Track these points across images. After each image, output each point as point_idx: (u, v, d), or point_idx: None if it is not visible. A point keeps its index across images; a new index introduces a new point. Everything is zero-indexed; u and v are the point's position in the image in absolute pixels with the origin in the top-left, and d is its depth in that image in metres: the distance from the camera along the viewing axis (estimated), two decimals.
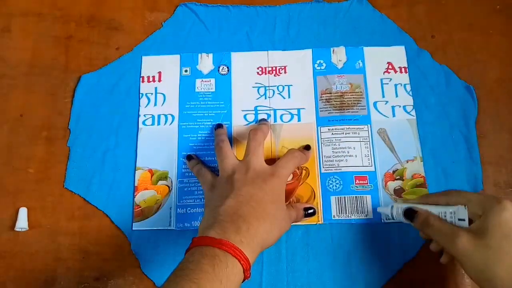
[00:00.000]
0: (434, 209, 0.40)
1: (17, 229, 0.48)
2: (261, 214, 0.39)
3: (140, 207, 0.49)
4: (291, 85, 0.53)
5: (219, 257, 0.34)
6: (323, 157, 0.50)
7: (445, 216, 0.39)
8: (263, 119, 0.51)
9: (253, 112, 0.52)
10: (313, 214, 0.46)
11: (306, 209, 0.46)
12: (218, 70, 0.54)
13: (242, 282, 0.36)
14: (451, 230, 0.37)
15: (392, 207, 0.43)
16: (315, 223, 0.48)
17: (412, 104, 0.51)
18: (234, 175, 0.42)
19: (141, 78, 0.54)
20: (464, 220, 0.37)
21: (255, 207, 0.39)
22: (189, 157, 0.49)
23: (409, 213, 0.41)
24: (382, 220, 0.47)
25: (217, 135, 0.49)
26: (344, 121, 0.51)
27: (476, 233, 0.36)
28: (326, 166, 0.49)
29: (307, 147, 0.49)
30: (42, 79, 0.54)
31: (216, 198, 0.41)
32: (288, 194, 0.48)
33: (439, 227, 0.38)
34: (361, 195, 0.48)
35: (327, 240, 0.47)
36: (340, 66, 0.53)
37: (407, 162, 0.49)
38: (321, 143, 0.50)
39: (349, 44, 0.54)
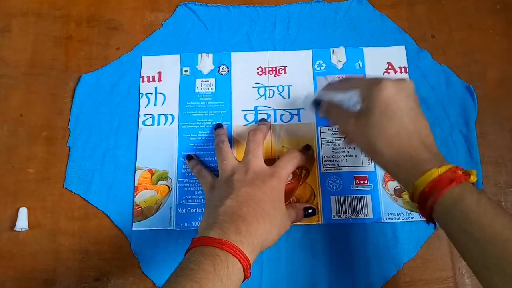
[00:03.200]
0: (336, 97, 0.44)
1: (17, 229, 0.48)
2: (260, 214, 0.39)
3: (140, 207, 0.49)
4: (291, 85, 0.53)
5: (219, 257, 0.35)
6: (323, 157, 0.50)
7: (345, 102, 0.43)
8: (263, 119, 0.51)
9: (253, 112, 0.52)
10: (313, 214, 0.46)
11: (306, 209, 0.46)
12: (218, 70, 0.54)
13: (243, 281, 0.36)
14: (344, 115, 0.41)
15: (306, 96, 0.48)
16: (315, 223, 0.48)
17: None
18: (233, 175, 0.43)
19: (141, 78, 0.54)
20: (359, 103, 0.40)
21: (254, 207, 0.39)
22: (189, 157, 0.49)
23: (316, 103, 0.47)
24: (382, 220, 0.47)
25: (217, 135, 0.49)
26: None
27: (361, 114, 0.39)
28: (326, 166, 0.49)
29: (307, 148, 0.49)
30: (42, 79, 0.54)
31: (215, 199, 0.42)
32: (288, 194, 0.48)
33: (336, 114, 0.43)
34: (361, 195, 0.48)
35: (327, 240, 0.47)
36: (340, 66, 0.53)
37: None
38: (321, 143, 0.50)
39: (349, 44, 0.54)
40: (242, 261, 0.35)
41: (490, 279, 0.31)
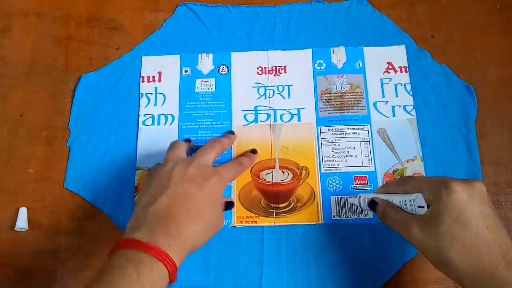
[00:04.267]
0: (396, 198, 0.40)
1: (17, 229, 0.48)
2: (194, 214, 0.37)
3: None
4: (291, 85, 0.53)
5: (144, 262, 0.33)
6: (323, 157, 0.50)
7: (406, 205, 0.39)
8: (231, 131, 0.51)
9: (253, 112, 0.52)
10: (229, 207, 0.44)
11: (224, 203, 0.44)
12: (218, 70, 0.54)
13: (168, 285, 0.35)
14: (405, 220, 0.37)
15: (360, 197, 0.44)
16: (315, 223, 0.48)
17: (412, 104, 0.51)
18: (174, 167, 0.40)
19: (141, 78, 0.54)
20: (423, 207, 0.37)
21: (189, 207, 0.38)
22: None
23: (372, 205, 0.42)
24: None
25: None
26: (344, 121, 0.51)
27: (428, 220, 0.35)
28: (326, 166, 0.49)
29: (253, 151, 0.49)
30: (42, 79, 0.54)
31: (149, 193, 0.39)
32: (288, 194, 0.48)
33: (395, 218, 0.39)
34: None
35: (327, 240, 0.47)
36: (340, 66, 0.53)
37: (407, 162, 0.49)
38: (321, 143, 0.50)
39: (349, 44, 0.54)
40: (168, 266, 0.34)
41: None
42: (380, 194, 0.42)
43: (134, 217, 0.38)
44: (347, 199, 0.48)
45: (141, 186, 0.41)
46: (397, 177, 0.41)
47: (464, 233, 0.33)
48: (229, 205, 0.44)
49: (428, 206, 0.37)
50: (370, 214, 0.47)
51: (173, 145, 0.45)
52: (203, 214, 0.38)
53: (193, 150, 0.49)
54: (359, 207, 0.45)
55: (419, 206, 0.37)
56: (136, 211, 0.38)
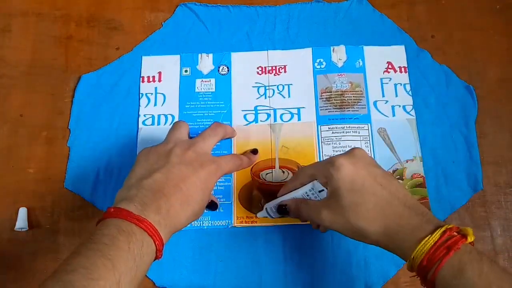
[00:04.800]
0: (298, 193, 0.41)
1: (17, 229, 0.48)
2: (186, 198, 0.37)
3: None
4: (291, 84, 0.53)
5: (135, 234, 0.33)
6: (323, 155, 0.50)
7: (308, 195, 0.41)
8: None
9: (253, 111, 0.52)
10: (212, 208, 0.45)
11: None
12: (218, 70, 0.54)
13: (152, 261, 0.35)
14: (315, 206, 0.39)
15: (265, 208, 0.44)
16: None
17: (412, 104, 0.51)
18: (173, 148, 0.40)
19: (141, 78, 0.54)
20: (323, 190, 0.39)
21: (183, 189, 0.37)
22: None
23: (281, 210, 0.43)
24: None
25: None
26: (344, 120, 0.51)
27: (330, 200, 0.37)
28: None
29: (254, 151, 0.49)
30: (42, 79, 0.54)
31: (145, 167, 0.39)
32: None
33: (307, 210, 0.40)
34: None
35: (327, 240, 0.47)
36: (340, 65, 0.53)
37: (407, 162, 0.49)
38: (321, 141, 0.50)
39: (349, 44, 0.54)
40: (156, 242, 0.34)
41: None
42: (283, 196, 0.43)
43: (125, 187, 0.38)
44: (256, 215, 0.47)
45: (138, 159, 0.40)
46: (294, 175, 0.43)
47: (362, 198, 0.35)
48: (212, 205, 0.44)
49: (326, 189, 0.39)
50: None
51: (174, 125, 0.44)
52: (194, 199, 0.38)
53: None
54: (270, 217, 0.45)
55: (319, 191, 0.40)
56: (129, 182, 0.38)
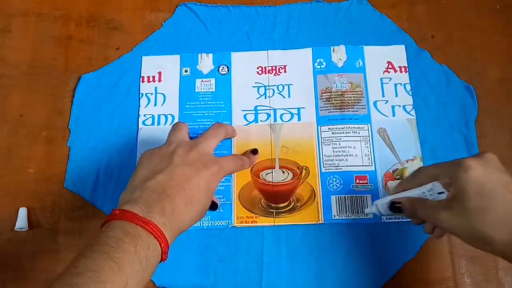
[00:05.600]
0: (414, 193, 0.40)
1: (17, 229, 0.48)
2: (190, 199, 0.37)
3: None
4: (291, 84, 0.53)
5: (141, 237, 0.33)
6: (323, 156, 0.50)
7: (425, 196, 0.39)
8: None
9: (253, 111, 0.52)
10: (213, 207, 0.43)
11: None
12: (218, 70, 0.54)
13: (158, 264, 0.35)
14: (433, 207, 0.37)
15: (376, 205, 0.43)
16: (315, 222, 0.47)
17: (412, 104, 0.51)
18: (176, 149, 0.40)
19: (141, 78, 0.54)
20: (443, 192, 0.37)
21: (186, 190, 0.37)
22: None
23: (394, 207, 0.41)
24: (382, 220, 0.47)
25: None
26: (344, 120, 0.51)
27: (453, 201, 0.35)
28: (326, 166, 0.49)
29: (254, 151, 0.49)
30: (42, 79, 0.54)
31: (148, 169, 0.39)
32: (288, 193, 0.48)
33: (424, 210, 0.38)
34: (361, 195, 0.48)
35: (327, 240, 0.47)
36: (340, 65, 0.53)
37: (407, 162, 0.49)
38: (321, 142, 0.50)
39: (349, 44, 0.54)
40: (162, 244, 0.34)
41: None
42: (396, 194, 0.41)
43: (129, 189, 0.37)
44: (363, 211, 0.47)
45: (140, 161, 0.40)
46: (407, 175, 0.41)
47: (491, 203, 0.33)
48: (212, 205, 0.44)
49: (448, 191, 0.36)
50: (370, 214, 0.47)
51: (175, 127, 0.44)
52: (197, 200, 0.38)
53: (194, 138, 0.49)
54: (378, 214, 0.44)
55: (438, 193, 0.37)
56: (133, 184, 0.38)
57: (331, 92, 0.52)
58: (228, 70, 0.54)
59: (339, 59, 0.53)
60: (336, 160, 0.49)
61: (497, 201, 0.33)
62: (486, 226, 0.33)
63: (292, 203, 0.48)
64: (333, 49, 0.54)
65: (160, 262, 0.35)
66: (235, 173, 0.49)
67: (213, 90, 0.53)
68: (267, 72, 0.53)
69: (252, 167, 0.49)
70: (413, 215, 0.40)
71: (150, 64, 0.54)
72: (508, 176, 0.35)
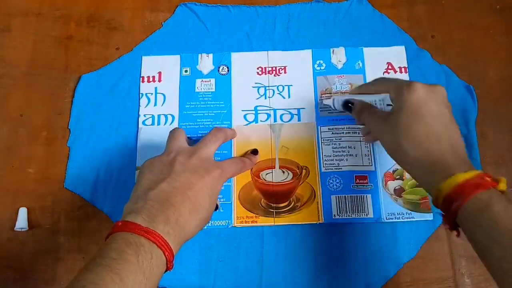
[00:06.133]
0: (367, 98, 0.44)
1: (17, 229, 0.48)
2: (194, 206, 0.37)
3: None
4: (291, 85, 0.53)
5: (144, 247, 0.33)
6: (323, 156, 0.50)
7: (375, 103, 0.44)
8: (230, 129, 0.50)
9: (253, 112, 0.52)
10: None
11: None
12: (218, 70, 0.54)
13: (164, 273, 0.35)
14: (374, 113, 0.42)
15: (333, 99, 0.48)
16: (315, 222, 0.47)
17: None
18: (176, 157, 0.40)
19: (141, 78, 0.54)
20: (390, 105, 0.40)
21: (190, 197, 0.37)
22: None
23: (347, 106, 0.46)
24: (382, 220, 0.47)
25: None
26: (344, 120, 0.51)
27: (392, 114, 0.39)
28: (326, 166, 0.49)
29: (255, 152, 0.49)
30: (42, 79, 0.54)
31: (150, 178, 0.38)
32: (289, 193, 0.49)
33: (367, 114, 0.43)
34: (362, 195, 0.48)
35: (327, 240, 0.47)
36: (340, 66, 0.53)
37: None
38: (321, 142, 0.50)
39: (349, 44, 0.54)
40: (166, 253, 0.34)
41: None
42: (353, 95, 0.46)
43: (132, 200, 0.37)
44: (321, 100, 0.50)
45: (141, 171, 0.40)
46: (373, 79, 0.45)
47: (417, 124, 0.36)
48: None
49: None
50: (371, 214, 0.47)
51: (172, 134, 0.44)
52: (202, 206, 0.38)
53: (192, 140, 0.49)
54: (332, 107, 0.48)
55: (387, 105, 0.42)
56: (135, 194, 0.38)
57: (331, 93, 0.52)
58: (228, 70, 0.54)
59: (339, 61, 0.53)
60: (336, 160, 0.49)
61: (423, 124, 0.36)
62: (405, 140, 0.37)
63: (292, 203, 0.48)
64: (333, 51, 0.54)
65: (166, 271, 0.35)
66: None
67: (213, 90, 0.53)
68: (267, 72, 0.53)
69: (252, 167, 0.49)
70: (358, 117, 0.45)
71: (150, 64, 0.54)
72: (446, 110, 0.38)
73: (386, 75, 0.45)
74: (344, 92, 0.52)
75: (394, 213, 0.48)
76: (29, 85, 0.54)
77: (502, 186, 0.33)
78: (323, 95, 0.52)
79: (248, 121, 0.52)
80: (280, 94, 0.53)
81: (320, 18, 0.56)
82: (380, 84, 0.43)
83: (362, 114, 0.44)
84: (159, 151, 0.48)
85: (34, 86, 0.54)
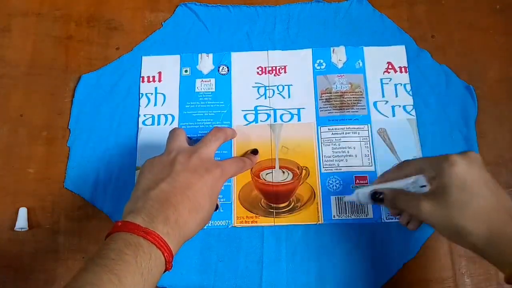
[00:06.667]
0: (396, 184, 0.40)
1: (17, 229, 0.48)
2: (194, 206, 0.37)
3: None
4: (291, 84, 0.53)
5: (143, 247, 0.33)
6: (323, 157, 0.50)
7: (408, 188, 0.39)
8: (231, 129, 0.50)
9: (253, 112, 0.52)
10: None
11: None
12: (218, 70, 0.54)
13: (163, 273, 0.35)
14: (414, 197, 0.38)
15: (357, 193, 0.43)
16: (315, 223, 0.47)
17: (412, 104, 0.51)
18: (176, 157, 0.40)
19: (141, 78, 0.54)
20: (425, 186, 0.38)
21: (190, 197, 0.37)
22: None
23: (376, 197, 0.42)
24: (382, 220, 0.47)
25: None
26: (344, 120, 0.51)
27: (435, 194, 0.36)
28: (326, 166, 0.49)
29: (255, 152, 0.49)
30: (42, 79, 0.54)
31: (150, 178, 0.38)
32: (288, 194, 0.48)
33: (405, 200, 0.39)
34: None
35: (327, 240, 0.47)
36: (340, 65, 0.53)
37: None
38: (321, 142, 0.50)
39: (349, 44, 0.54)
40: (165, 254, 0.34)
41: None
42: (379, 184, 0.42)
43: (132, 200, 0.37)
44: (342, 199, 0.48)
45: (142, 171, 0.40)
46: (392, 165, 0.42)
47: (471, 199, 0.34)
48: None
49: (430, 185, 0.37)
50: (371, 214, 0.47)
51: (172, 134, 0.44)
52: (202, 206, 0.38)
53: (192, 140, 0.49)
54: (358, 203, 0.44)
55: (421, 186, 0.38)
56: (135, 194, 0.38)
57: (331, 93, 0.52)
58: (228, 70, 0.54)
59: (339, 60, 0.53)
60: (336, 160, 0.49)
61: (477, 196, 0.35)
62: (463, 219, 0.34)
63: (292, 203, 0.48)
64: (333, 50, 0.54)
65: (165, 271, 0.35)
66: None
67: (213, 90, 0.53)
68: (267, 72, 0.53)
69: (252, 167, 0.49)
70: (393, 205, 0.41)
71: (150, 64, 0.54)
72: (489, 175, 0.36)
73: (412, 159, 0.41)
74: (344, 93, 0.52)
75: None
76: (29, 85, 0.54)
77: None
78: (323, 95, 0.52)
79: (248, 121, 0.52)
80: (280, 94, 0.53)
81: (320, 18, 0.56)
82: (407, 167, 0.40)
83: (399, 201, 0.40)
84: (159, 151, 0.48)
85: (34, 86, 0.54)
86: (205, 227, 0.47)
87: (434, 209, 0.36)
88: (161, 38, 0.56)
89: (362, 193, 0.43)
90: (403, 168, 0.40)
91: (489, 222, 0.34)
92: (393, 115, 0.51)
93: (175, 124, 0.52)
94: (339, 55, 0.53)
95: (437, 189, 0.36)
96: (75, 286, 0.30)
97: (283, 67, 0.54)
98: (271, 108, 0.52)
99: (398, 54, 0.53)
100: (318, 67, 0.53)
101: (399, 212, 0.42)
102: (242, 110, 0.52)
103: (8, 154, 0.52)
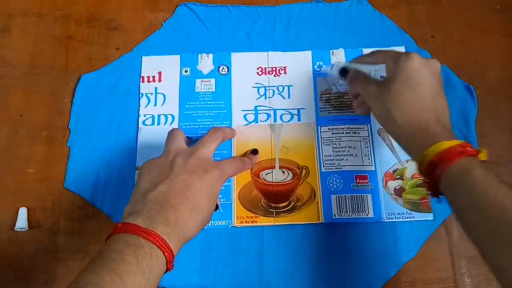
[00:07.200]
0: (365, 68, 0.43)
1: (17, 229, 0.48)
2: (193, 207, 0.37)
3: None
4: (291, 85, 0.53)
5: (143, 247, 0.33)
6: (324, 156, 0.50)
7: (370, 73, 0.43)
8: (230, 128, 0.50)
9: (253, 112, 0.52)
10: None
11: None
12: (218, 70, 0.54)
13: (164, 273, 0.35)
14: (368, 81, 0.42)
15: (332, 65, 0.48)
16: (315, 222, 0.47)
17: None
18: (175, 158, 0.40)
19: (141, 78, 0.54)
20: (384, 77, 0.41)
21: (189, 198, 0.37)
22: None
23: (343, 72, 0.47)
24: (383, 219, 0.47)
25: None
26: (344, 120, 0.51)
27: (384, 81, 0.40)
28: (326, 165, 0.49)
29: (254, 152, 0.49)
30: (42, 79, 0.54)
31: (149, 180, 0.39)
32: (288, 193, 0.48)
33: (361, 80, 0.43)
34: (362, 194, 0.48)
35: (327, 240, 0.47)
36: None
37: (407, 162, 0.49)
38: (321, 142, 0.50)
39: (349, 44, 0.54)
40: (166, 254, 0.34)
41: (489, 246, 0.32)
42: (350, 63, 0.46)
43: (131, 203, 0.37)
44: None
45: (140, 173, 0.40)
46: (372, 51, 0.45)
47: (408, 92, 0.38)
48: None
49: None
50: (371, 213, 0.47)
51: (171, 135, 0.44)
52: (201, 207, 0.38)
53: (191, 140, 0.49)
54: (329, 73, 0.49)
55: (381, 76, 0.42)
56: (135, 197, 0.38)
57: (330, 94, 0.52)
58: (228, 70, 0.54)
59: (338, 62, 0.53)
60: (336, 160, 0.49)
61: (413, 93, 0.38)
62: (394, 106, 0.39)
63: (292, 203, 0.48)
64: (332, 52, 0.54)
65: (166, 271, 0.35)
66: None
67: (213, 90, 0.53)
68: (267, 73, 0.53)
69: (252, 167, 0.49)
70: (351, 84, 0.46)
71: (150, 64, 0.54)
72: (438, 84, 0.39)
73: (384, 49, 0.46)
74: (344, 93, 0.52)
75: (394, 213, 0.48)
76: (29, 85, 0.54)
77: (483, 156, 0.35)
78: (323, 96, 0.52)
79: (248, 121, 0.52)
80: (280, 94, 0.53)
81: (320, 18, 0.56)
82: (378, 55, 0.43)
83: (355, 81, 0.45)
84: (159, 151, 0.48)
85: (34, 86, 0.54)
86: (205, 227, 0.47)
87: (377, 93, 0.40)
88: (161, 38, 0.56)
89: (336, 66, 0.48)
90: (375, 56, 0.44)
91: (414, 116, 0.38)
92: None
93: (175, 124, 0.52)
94: (338, 57, 0.54)
95: (387, 78, 0.40)
96: (77, 286, 0.30)
97: (283, 68, 0.54)
98: (271, 108, 0.52)
99: None
100: (318, 69, 0.53)
101: (357, 94, 0.47)
102: (242, 110, 0.52)
103: (8, 154, 0.52)
